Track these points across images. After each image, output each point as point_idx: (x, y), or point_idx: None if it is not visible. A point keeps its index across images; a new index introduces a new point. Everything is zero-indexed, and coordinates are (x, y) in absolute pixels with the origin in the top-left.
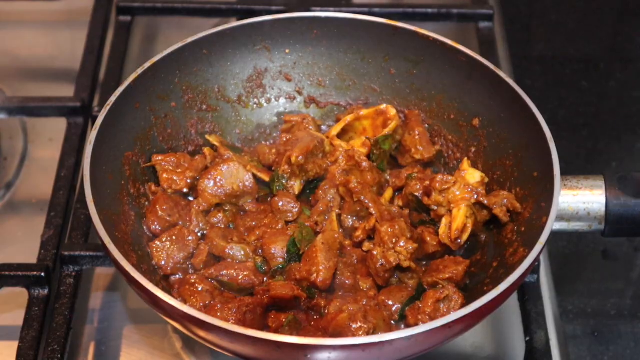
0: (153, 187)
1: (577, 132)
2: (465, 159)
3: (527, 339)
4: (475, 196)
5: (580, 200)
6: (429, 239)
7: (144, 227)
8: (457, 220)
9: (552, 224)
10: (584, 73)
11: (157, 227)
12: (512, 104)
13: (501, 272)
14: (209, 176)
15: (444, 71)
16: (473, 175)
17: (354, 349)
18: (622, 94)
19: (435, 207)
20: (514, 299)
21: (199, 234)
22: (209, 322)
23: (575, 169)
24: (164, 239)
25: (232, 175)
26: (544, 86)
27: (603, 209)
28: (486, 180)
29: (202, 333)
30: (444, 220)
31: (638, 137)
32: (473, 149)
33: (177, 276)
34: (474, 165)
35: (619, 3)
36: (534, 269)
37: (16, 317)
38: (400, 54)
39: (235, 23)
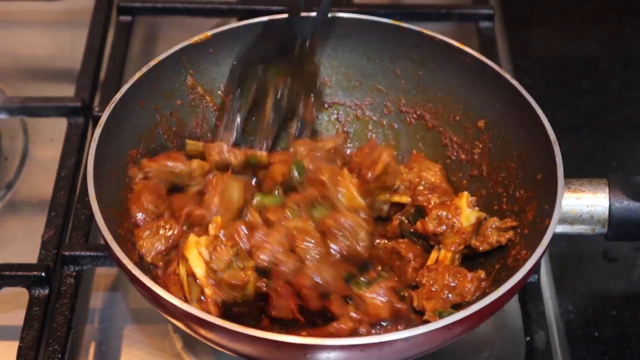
0: (135, 172)
1: (577, 132)
2: (465, 193)
3: (528, 339)
4: (465, 244)
5: (584, 203)
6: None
7: (132, 218)
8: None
9: (555, 227)
10: (584, 73)
11: (143, 217)
12: (517, 106)
13: (503, 275)
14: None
15: (450, 72)
16: (468, 218)
17: (353, 349)
18: (622, 94)
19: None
20: (514, 299)
21: (184, 228)
22: (210, 321)
23: (575, 168)
24: (148, 228)
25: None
26: (544, 86)
27: (606, 212)
28: (483, 217)
29: (202, 331)
30: (433, 254)
31: (638, 137)
32: (478, 151)
33: (160, 265)
34: (478, 167)
35: (619, 3)
36: (535, 269)
37: (16, 317)
38: (406, 54)
39: (242, 22)
